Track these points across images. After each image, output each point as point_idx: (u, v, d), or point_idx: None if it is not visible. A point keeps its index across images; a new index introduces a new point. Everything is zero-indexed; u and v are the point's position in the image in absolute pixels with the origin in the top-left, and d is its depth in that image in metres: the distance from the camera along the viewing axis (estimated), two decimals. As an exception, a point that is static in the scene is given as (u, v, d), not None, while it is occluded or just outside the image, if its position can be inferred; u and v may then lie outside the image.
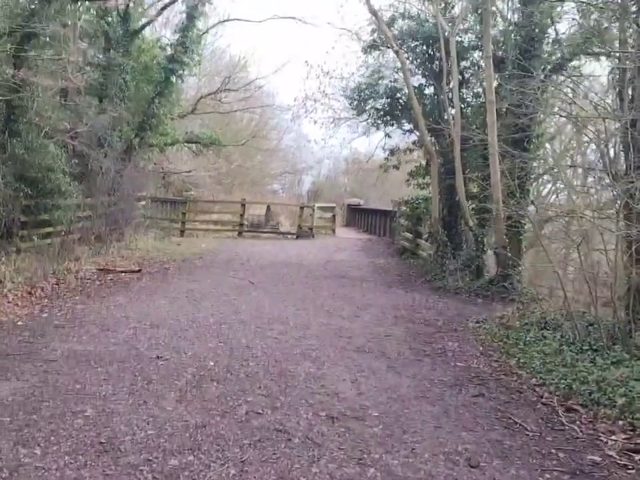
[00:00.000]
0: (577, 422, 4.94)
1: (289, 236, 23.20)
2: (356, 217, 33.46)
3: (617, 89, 8.57)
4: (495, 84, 12.74)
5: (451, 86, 14.56)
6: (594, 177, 13.31)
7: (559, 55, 13.66)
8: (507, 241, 12.45)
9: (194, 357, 6.11)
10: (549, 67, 13.89)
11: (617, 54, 8.95)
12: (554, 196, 20.20)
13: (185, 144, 25.17)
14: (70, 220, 13.27)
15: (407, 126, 16.99)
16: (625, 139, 7.74)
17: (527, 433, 4.67)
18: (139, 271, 12.15)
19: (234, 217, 23.61)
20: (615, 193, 7.89)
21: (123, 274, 11.73)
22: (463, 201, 13.70)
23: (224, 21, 22.09)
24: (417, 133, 16.75)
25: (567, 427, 4.83)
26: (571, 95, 10.97)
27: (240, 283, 11.50)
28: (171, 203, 25.26)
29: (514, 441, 4.49)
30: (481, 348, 7.56)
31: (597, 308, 7.43)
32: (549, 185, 20.71)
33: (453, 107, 14.34)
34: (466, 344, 7.77)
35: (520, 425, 4.82)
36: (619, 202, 7.83)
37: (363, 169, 35.37)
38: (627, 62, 8.03)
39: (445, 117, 14.81)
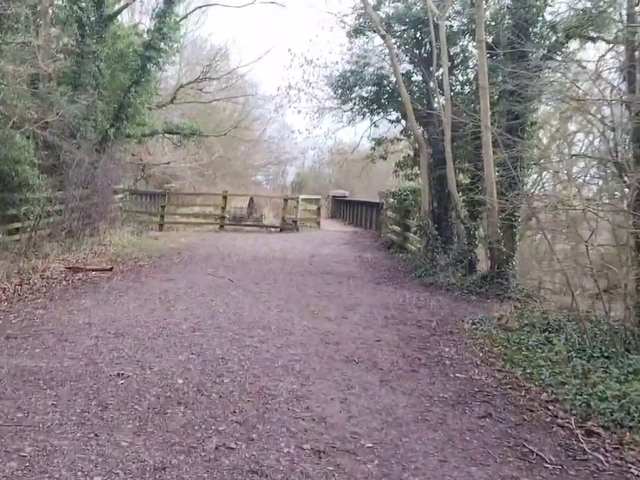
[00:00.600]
0: (601, 449, 4.29)
1: (273, 229, 22.45)
2: (341, 208, 32.79)
3: (625, 71, 7.92)
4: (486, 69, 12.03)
5: (440, 72, 13.86)
6: (585, 167, 12.72)
7: (553, 39, 12.98)
8: (501, 234, 11.81)
9: (160, 374, 5.35)
10: (542, 51, 13.23)
11: (624, 33, 8.27)
12: (538, 186, 19.66)
13: (165, 135, 24.37)
14: (38, 215, 12.49)
15: (394, 115, 16.25)
16: (636, 125, 7.10)
17: (546, 465, 4.00)
18: (111, 269, 11.36)
19: (216, 209, 22.77)
20: (624, 183, 7.26)
21: (93, 273, 10.94)
22: (454, 193, 13.04)
23: (203, 6, 21.18)
24: (404, 123, 16.11)
25: (590, 456, 4.17)
26: (567, 79, 10.35)
27: (219, 282, 10.76)
28: (150, 196, 24.45)
29: (532, 477, 3.82)
30: (481, 354, 6.90)
31: (608, 310, 6.79)
32: (534, 176, 20.19)
33: (442, 95, 13.65)
34: (464, 350, 7.11)
35: (536, 454, 4.15)
36: (628, 193, 7.21)
37: (347, 160, 34.66)
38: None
39: (435, 105, 14.12)
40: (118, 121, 18.38)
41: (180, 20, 19.39)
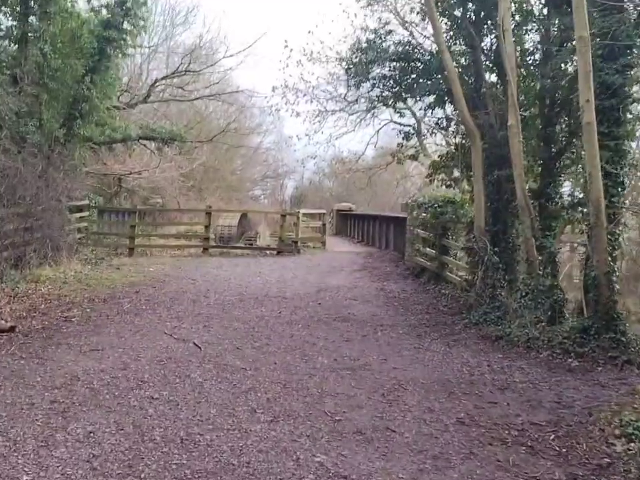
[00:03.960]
0: None
1: (268, 252, 18.34)
2: (348, 224, 28.78)
3: None
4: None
5: (498, 31, 9.85)
6: None
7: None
8: (612, 263, 7.79)
9: None
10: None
11: None
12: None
13: (140, 140, 20.47)
14: None
15: (428, 98, 12.03)
16: None
17: None
18: (11, 329, 7.26)
19: (201, 228, 18.63)
20: None
21: (-21, 337, 6.90)
22: (524, 201, 8.94)
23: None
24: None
25: None
26: None
27: (177, 350, 6.71)
28: (124, 214, 20.45)
29: None
30: None
31: None
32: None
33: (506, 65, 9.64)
34: None
35: None
36: None
37: (352, 170, 31.02)
38: None
39: (488, 81, 10.15)
40: (70, 120, 14.56)
41: (147, -9, 15.54)
